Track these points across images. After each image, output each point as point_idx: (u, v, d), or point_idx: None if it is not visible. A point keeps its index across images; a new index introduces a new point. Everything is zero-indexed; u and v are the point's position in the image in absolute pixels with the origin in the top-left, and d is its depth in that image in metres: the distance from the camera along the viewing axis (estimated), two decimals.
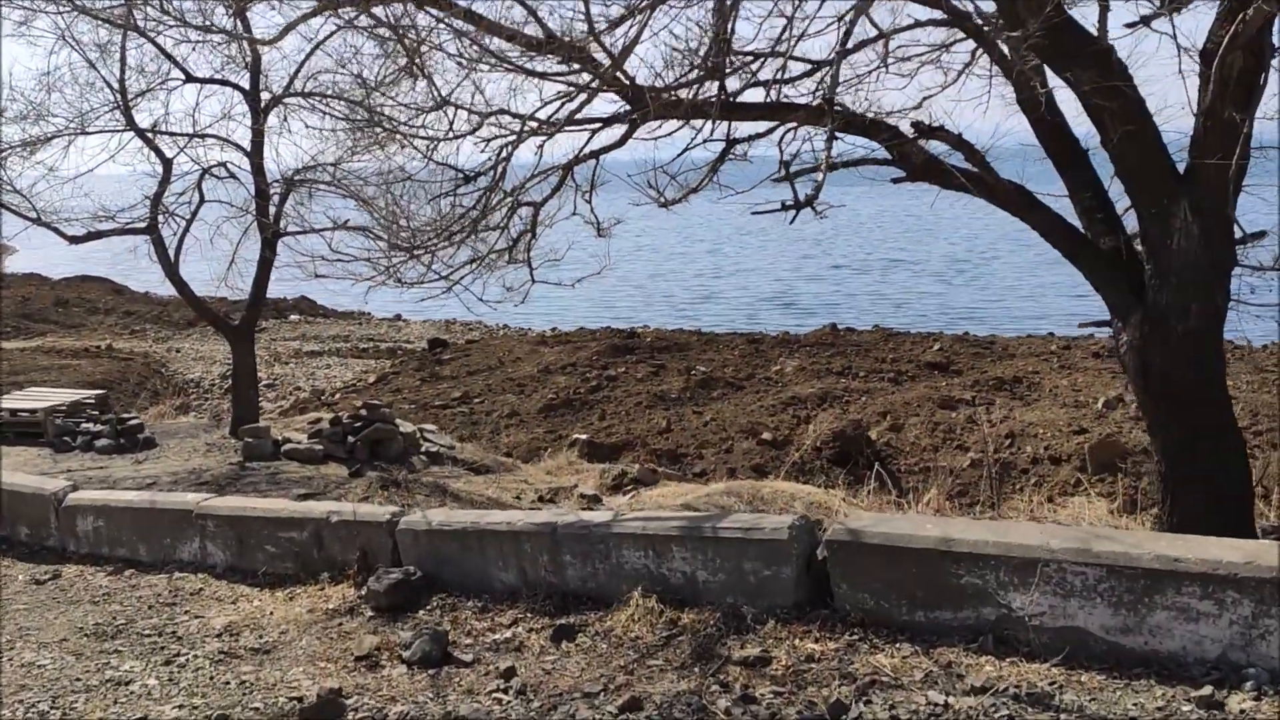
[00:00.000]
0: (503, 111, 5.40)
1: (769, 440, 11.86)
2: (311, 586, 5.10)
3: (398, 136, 8.32)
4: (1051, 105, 5.07)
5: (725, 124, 5.88)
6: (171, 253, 10.88)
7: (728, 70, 4.86)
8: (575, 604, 4.40)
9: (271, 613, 4.81)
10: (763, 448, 11.74)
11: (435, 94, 5.30)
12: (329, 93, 10.45)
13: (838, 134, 5.11)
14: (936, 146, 5.44)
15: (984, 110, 5.16)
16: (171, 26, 7.29)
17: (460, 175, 5.79)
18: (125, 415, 11.14)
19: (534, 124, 5.16)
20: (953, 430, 12.60)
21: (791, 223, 4.18)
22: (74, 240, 10.86)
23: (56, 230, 10.73)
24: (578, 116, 5.35)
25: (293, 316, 28.63)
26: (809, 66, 5.57)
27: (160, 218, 10.91)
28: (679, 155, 5.78)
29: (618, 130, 6.20)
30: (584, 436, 13.25)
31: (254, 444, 10.15)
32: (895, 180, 6.02)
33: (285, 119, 10.54)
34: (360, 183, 10.62)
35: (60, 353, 21.33)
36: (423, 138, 5.63)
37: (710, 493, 8.29)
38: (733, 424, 13.25)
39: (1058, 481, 10.75)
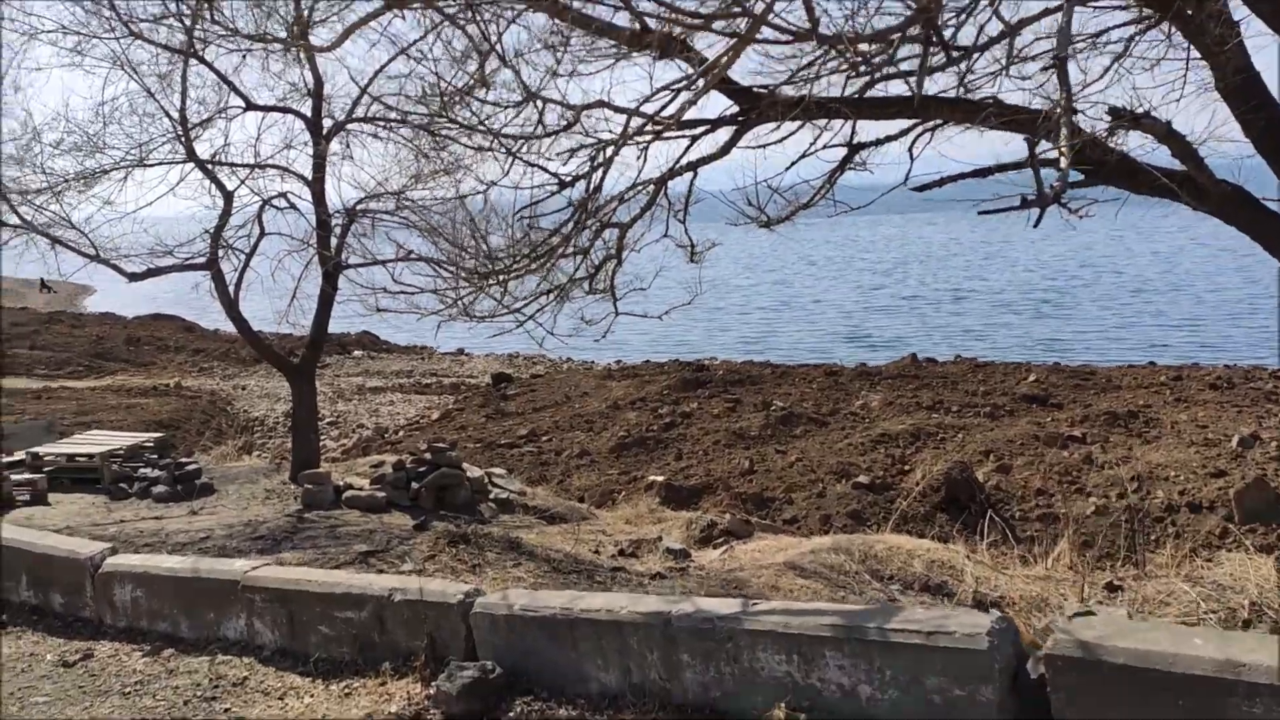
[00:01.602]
0: (601, 104, 4.62)
1: (866, 484, 10.87)
2: (371, 680, 4.30)
3: (472, 153, 7.61)
4: (1260, 87, 4.13)
5: (848, 125, 5.03)
6: (231, 288, 10.32)
7: (872, 58, 4.01)
8: (695, 716, 3.53)
9: (324, 718, 4.01)
10: (859, 492, 10.75)
11: (522, 86, 4.53)
12: (393, 117, 9.85)
13: (993, 129, 4.22)
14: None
15: (1177, 101, 4.23)
16: (225, 37, 6.69)
17: (553, 181, 4.99)
18: (183, 460, 10.59)
19: (639, 120, 4.36)
20: (1068, 472, 11.47)
21: (1036, 224, 3.27)
22: (133, 277, 10.37)
23: (115, 267, 10.24)
24: (683, 118, 4.54)
25: (356, 352, 28.33)
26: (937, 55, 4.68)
27: (220, 252, 10.38)
28: (795, 162, 4.94)
29: (715, 140, 5.40)
30: (660, 479, 12.39)
31: (314, 491, 9.49)
32: (1024, 203, 5.11)
33: (348, 144, 9.95)
34: (425, 211, 9.99)
35: (129, 391, 21.16)
36: (508, 135, 4.84)
37: (816, 549, 7.36)
38: (821, 464, 12.28)
39: (1202, 532, 9.57)
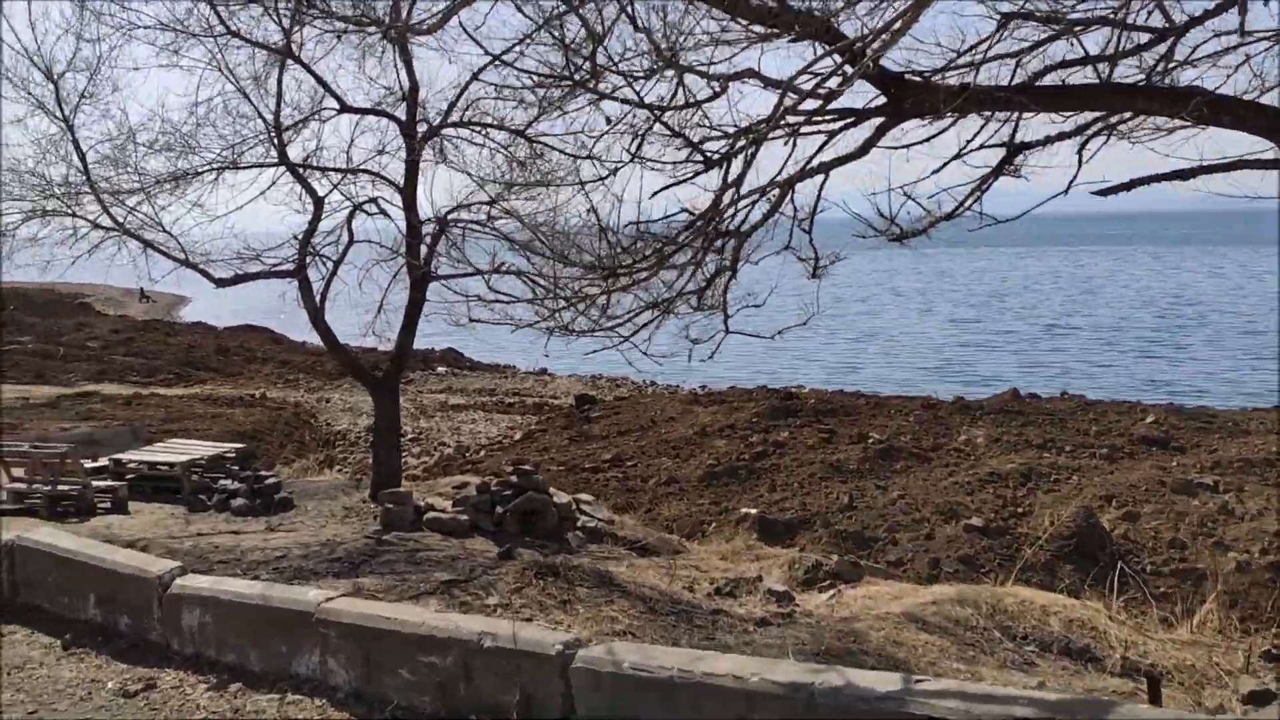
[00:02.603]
0: (751, 73, 4.04)
1: (979, 527, 10.05)
2: None
3: (569, 161, 7.16)
4: None
5: (1003, 127, 4.39)
6: (318, 297, 10.03)
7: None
8: None
9: None
10: (971, 535, 9.94)
11: (654, 49, 3.98)
12: (489, 121, 9.48)
13: (1204, 124, 3.54)
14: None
15: None
16: (321, 18, 6.34)
17: (699, 155, 4.40)
18: (263, 473, 10.30)
19: (791, 99, 3.77)
20: (1203, 523, 10.47)
21: None
22: (220, 283, 10.17)
23: (203, 272, 10.05)
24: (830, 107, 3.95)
25: (439, 369, 28.24)
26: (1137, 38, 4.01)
27: (308, 259, 10.10)
28: (950, 160, 4.30)
29: (853, 139, 4.80)
30: (754, 511, 11.74)
31: (394, 511, 9.08)
32: None
33: (442, 149, 9.59)
34: (520, 220, 9.58)
35: (216, 400, 21.29)
36: (642, 105, 4.28)
37: (938, 599, 6.63)
38: (926, 503, 11.48)
39: None
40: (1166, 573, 9.42)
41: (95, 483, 9.72)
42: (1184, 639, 7.06)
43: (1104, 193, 4.06)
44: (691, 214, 5.29)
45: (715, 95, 4.09)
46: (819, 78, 3.89)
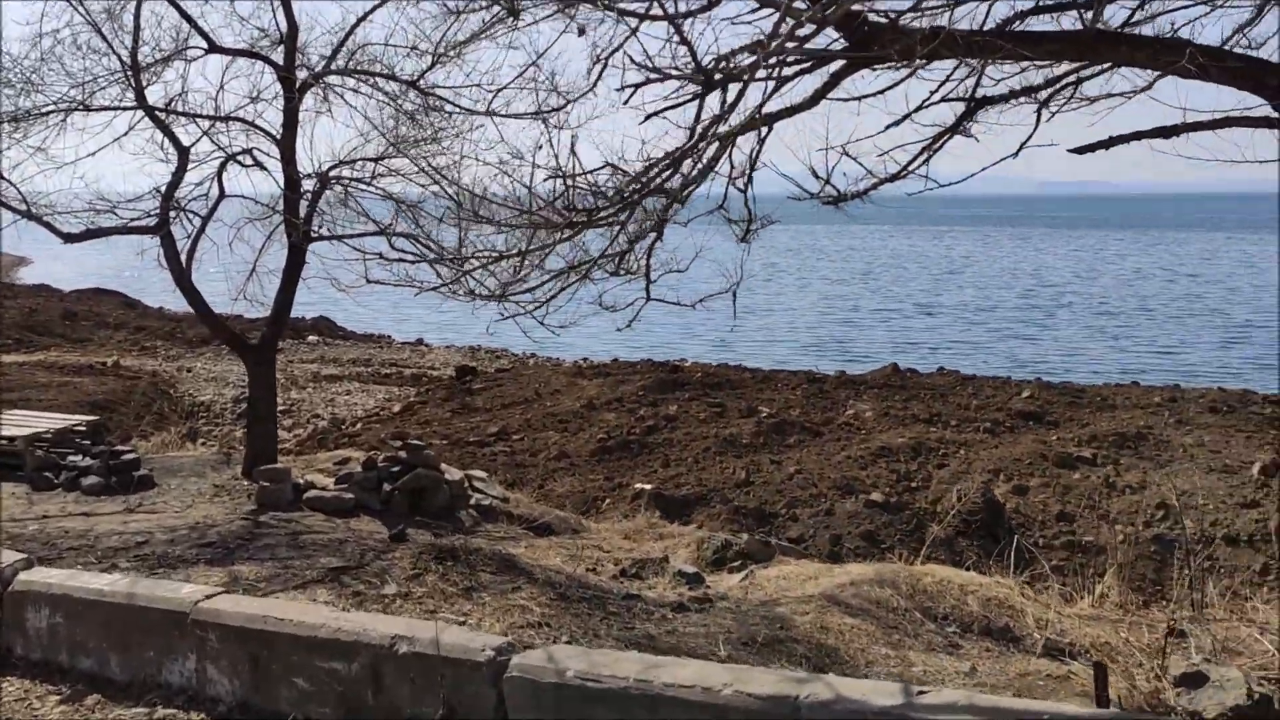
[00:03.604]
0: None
1: (879, 503, 9.99)
2: None
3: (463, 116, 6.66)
4: None
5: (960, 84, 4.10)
6: (184, 257, 9.12)
7: None
8: None
9: None
10: (872, 511, 9.88)
11: None
12: (378, 70, 8.75)
13: (1192, 78, 3.30)
14: None
15: None
16: None
17: (677, 93, 3.91)
18: (119, 448, 9.35)
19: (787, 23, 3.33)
20: (1088, 496, 10.72)
21: None
22: (69, 238, 9.11)
23: (49, 226, 8.98)
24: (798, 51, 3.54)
25: (311, 338, 26.90)
26: None
27: (172, 215, 9.17)
28: (909, 114, 3.98)
29: (802, 90, 4.43)
30: (648, 487, 11.42)
31: (271, 489, 8.35)
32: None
33: (326, 97, 8.83)
34: (415, 181, 8.91)
35: (62, 369, 19.61)
36: (625, 13, 3.72)
37: (856, 580, 6.43)
38: (822, 478, 11.40)
39: (1243, 568, 8.85)
40: (1058, 545, 9.57)
41: None
42: (1087, 613, 7.09)
43: (1081, 150, 3.82)
44: (624, 172, 4.84)
45: (709, 5, 3.63)
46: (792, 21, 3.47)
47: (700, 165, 4.80)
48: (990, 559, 8.18)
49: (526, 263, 5.62)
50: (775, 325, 35.61)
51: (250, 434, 9.61)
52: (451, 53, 8.24)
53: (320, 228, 9.02)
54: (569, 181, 4.69)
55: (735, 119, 3.93)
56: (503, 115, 8.42)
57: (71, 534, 6.93)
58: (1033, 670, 5.16)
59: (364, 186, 9.64)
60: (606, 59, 3.88)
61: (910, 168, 4.63)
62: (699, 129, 3.94)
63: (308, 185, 9.30)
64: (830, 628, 5.56)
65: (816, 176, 4.96)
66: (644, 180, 4.22)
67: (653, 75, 3.83)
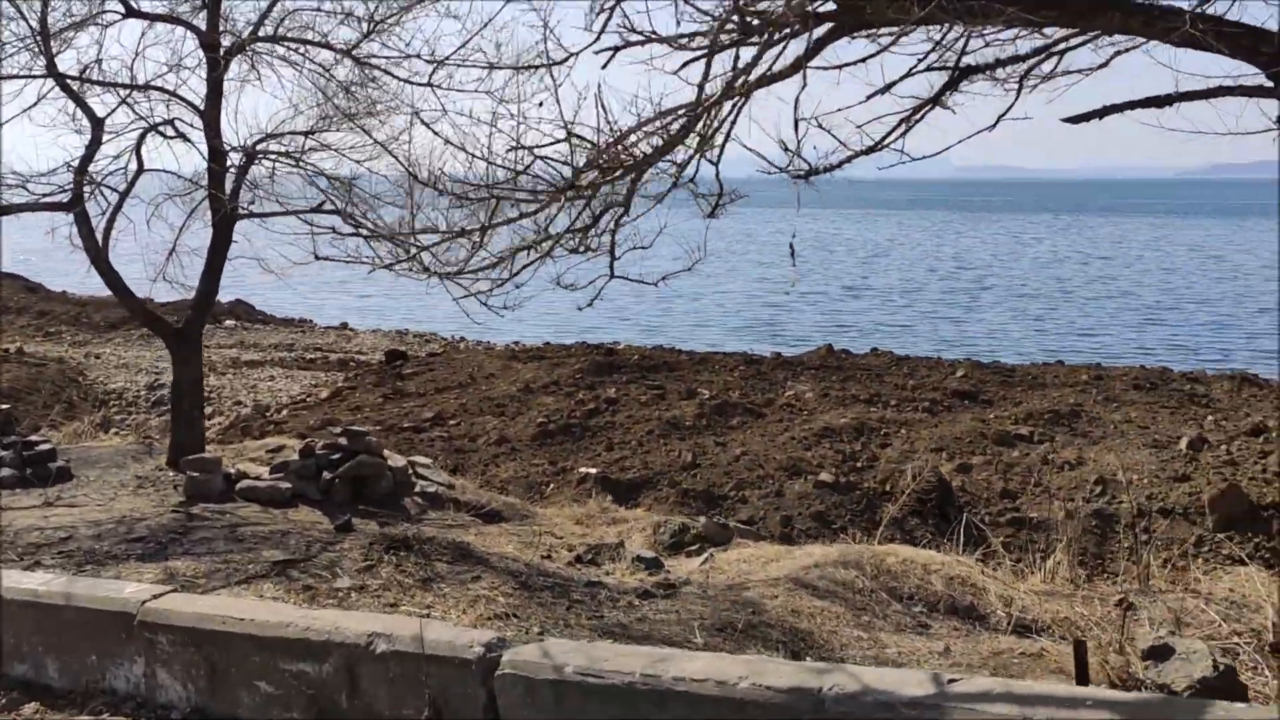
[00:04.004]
0: None
1: (830, 483, 9.95)
2: None
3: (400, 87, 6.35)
4: None
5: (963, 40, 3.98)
6: (100, 235, 8.59)
7: None
8: None
9: None
10: (822, 491, 9.83)
11: None
12: (309, 39, 8.32)
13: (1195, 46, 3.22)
14: None
15: None
16: None
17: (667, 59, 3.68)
18: (32, 439, 8.79)
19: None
20: (1029, 473, 10.86)
21: None
22: None
23: None
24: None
25: (228, 322, 25.95)
26: None
27: (87, 190, 8.62)
28: (895, 83, 3.84)
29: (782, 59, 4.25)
30: (593, 471, 11.22)
31: (200, 480, 7.92)
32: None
33: (254, 65, 8.37)
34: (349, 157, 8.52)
35: None
36: None
37: (820, 562, 6.33)
38: (768, 459, 11.33)
39: (1179, 540, 9.04)
40: (1004, 523, 9.65)
41: None
42: (1041, 589, 7.13)
43: (1074, 120, 3.72)
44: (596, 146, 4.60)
45: None
46: None
47: (672, 136, 4.61)
48: (944, 538, 8.18)
49: (486, 238, 5.37)
50: (705, 309, 35.62)
51: (174, 422, 9.12)
52: (390, 20, 7.89)
53: (251, 203, 8.57)
54: (535, 153, 4.44)
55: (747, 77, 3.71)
56: (446, 88, 8.12)
57: None
58: (1004, 649, 5.12)
59: (294, 163, 9.22)
60: (611, 8, 3.63)
61: (887, 141, 4.50)
62: (735, 80, 3.70)
63: (234, 160, 8.84)
64: (801, 611, 5.44)
65: (786, 150, 4.80)
66: (637, 149, 3.99)
67: (637, 37, 3.60)
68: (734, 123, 4.55)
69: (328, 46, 8.31)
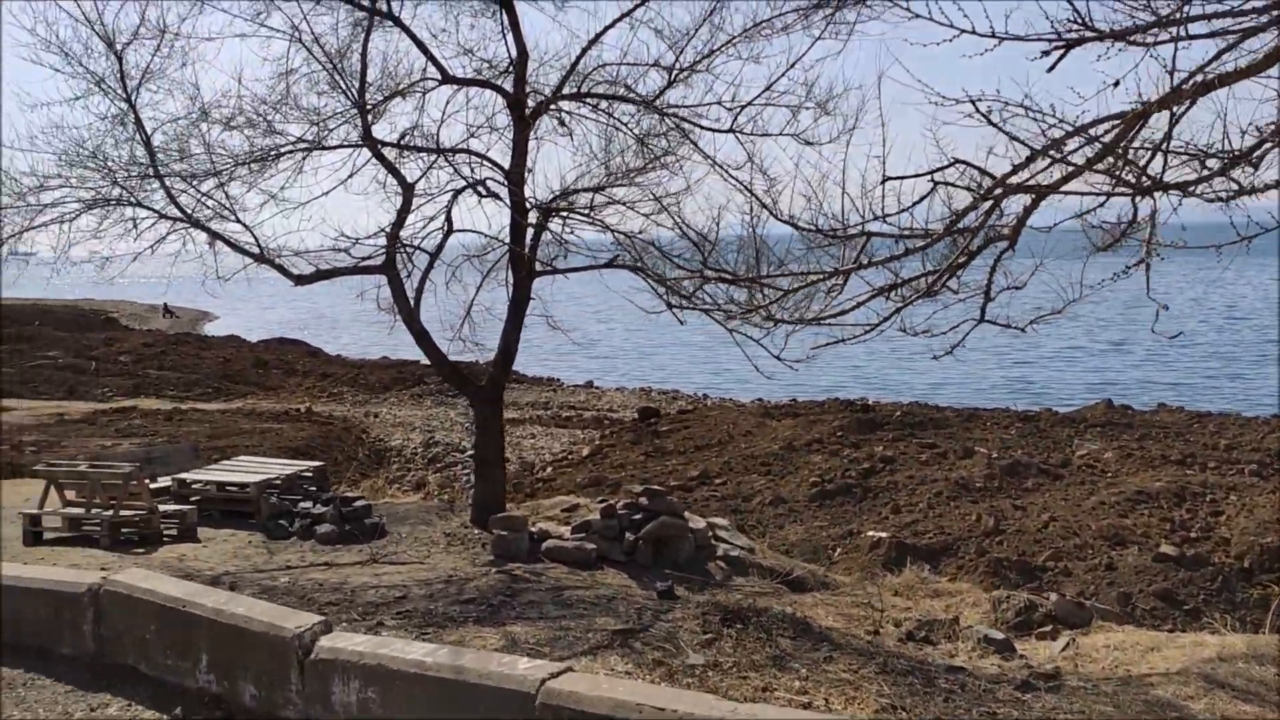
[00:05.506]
0: None
1: (1172, 556, 8.75)
2: None
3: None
4: None
5: None
6: (411, 295, 8.86)
7: None
8: None
9: None
10: (1165, 566, 8.64)
11: None
12: (614, 93, 8.29)
13: None
14: None
15: None
16: None
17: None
18: (349, 495, 9.13)
19: None
20: None
21: None
22: (299, 280, 8.97)
23: (280, 269, 8.85)
24: None
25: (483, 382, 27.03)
26: None
27: (399, 253, 8.93)
28: None
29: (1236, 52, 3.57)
30: (884, 535, 10.48)
31: (508, 539, 7.88)
32: None
33: (563, 121, 8.43)
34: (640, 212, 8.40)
35: (260, 415, 20.15)
36: None
37: (1224, 655, 5.36)
38: (1082, 526, 10.20)
39: None
40: None
41: (160, 506, 8.57)
42: None
43: None
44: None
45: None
46: None
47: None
48: None
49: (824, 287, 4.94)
50: (945, 364, 33.70)
51: (478, 480, 9.20)
52: (699, 65, 7.74)
53: (554, 259, 8.61)
54: (934, 179, 3.96)
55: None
56: (749, 133, 7.87)
57: (325, 587, 6.57)
58: None
59: (582, 218, 9.21)
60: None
61: None
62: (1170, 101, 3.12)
63: (531, 218, 8.93)
64: (1231, 717, 4.54)
65: (1202, 154, 4.08)
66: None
67: (1092, 33, 3.06)
68: (1174, 124, 3.89)
69: (629, 100, 8.25)
